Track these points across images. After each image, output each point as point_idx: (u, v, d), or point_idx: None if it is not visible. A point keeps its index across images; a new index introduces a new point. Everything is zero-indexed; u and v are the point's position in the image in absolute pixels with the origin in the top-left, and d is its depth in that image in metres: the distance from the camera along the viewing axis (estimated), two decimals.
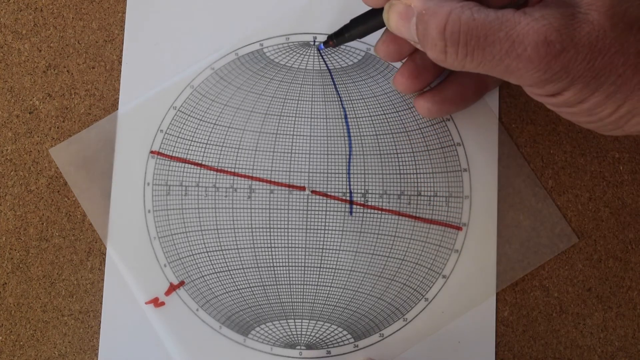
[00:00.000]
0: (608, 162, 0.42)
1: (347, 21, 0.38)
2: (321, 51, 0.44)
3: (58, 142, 0.43)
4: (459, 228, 0.42)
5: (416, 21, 0.31)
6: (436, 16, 0.30)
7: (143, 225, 0.42)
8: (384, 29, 0.36)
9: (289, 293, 0.41)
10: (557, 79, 0.28)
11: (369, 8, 0.36)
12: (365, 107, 0.43)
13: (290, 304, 0.41)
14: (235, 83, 0.43)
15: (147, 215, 0.42)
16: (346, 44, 0.42)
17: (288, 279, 0.41)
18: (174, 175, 0.42)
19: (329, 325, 0.41)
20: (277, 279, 0.41)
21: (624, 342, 0.41)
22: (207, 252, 0.42)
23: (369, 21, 0.35)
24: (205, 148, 0.43)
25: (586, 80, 0.27)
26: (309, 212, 0.42)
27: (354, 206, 0.42)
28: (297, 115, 0.43)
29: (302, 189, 0.42)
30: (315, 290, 0.41)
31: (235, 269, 0.42)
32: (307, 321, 0.41)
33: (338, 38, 0.39)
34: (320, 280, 0.41)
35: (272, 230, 0.42)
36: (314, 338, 0.41)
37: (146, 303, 0.41)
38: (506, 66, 0.28)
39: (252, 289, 0.42)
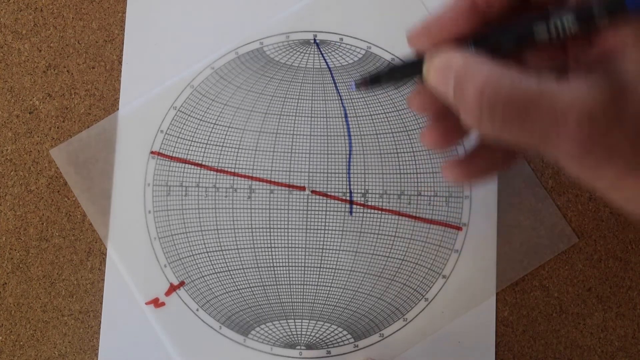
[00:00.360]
0: None
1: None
2: (321, 48, 0.44)
3: (58, 142, 0.43)
4: (459, 228, 0.42)
5: (454, 80, 0.29)
6: (474, 79, 0.28)
7: (143, 225, 0.42)
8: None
9: (289, 293, 0.41)
10: (599, 156, 0.26)
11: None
12: (366, 106, 0.43)
13: (290, 304, 0.41)
14: (235, 82, 0.43)
15: (148, 215, 0.42)
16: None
17: (288, 279, 0.41)
18: (174, 176, 0.42)
19: (329, 325, 0.41)
20: (277, 279, 0.41)
21: (624, 342, 0.41)
22: (207, 252, 0.42)
23: (408, 70, 0.33)
24: (205, 148, 0.43)
25: (628, 159, 0.26)
26: (309, 212, 0.42)
27: (354, 206, 0.42)
28: (297, 114, 0.43)
29: (302, 189, 0.42)
30: (315, 290, 0.41)
31: (235, 269, 0.42)
32: (307, 321, 0.41)
33: (374, 84, 0.37)
34: (320, 280, 0.41)
35: (272, 230, 0.42)
36: (314, 338, 0.41)
37: (146, 303, 0.42)
38: (545, 141, 0.26)
39: (252, 289, 0.42)
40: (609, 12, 0.24)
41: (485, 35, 0.29)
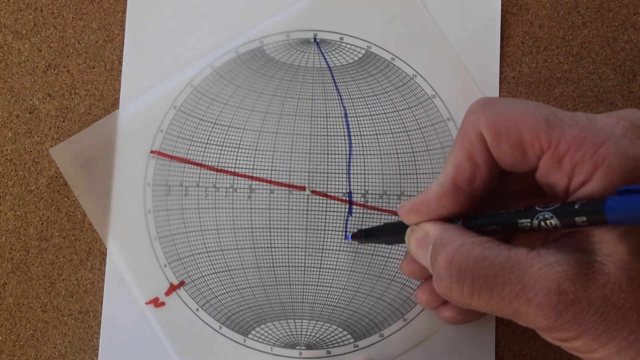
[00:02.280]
0: None
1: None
2: (320, 46, 0.44)
3: (58, 142, 0.43)
4: None
5: (431, 250, 0.30)
6: (445, 248, 0.29)
7: (143, 225, 0.42)
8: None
9: (289, 293, 0.41)
10: (567, 328, 0.26)
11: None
12: (366, 106, 0.43)
13: (290, 304, 0.41)
14: (235, 82, 0.43)
15: (148, 215, 0.42)
16: (346, 41, 0.42)
17: (288, 279, 0.41)
18: (174, 175, 0.42)
19: (329, 325, 0.41)
20: (277, 279, 0.41)
21: None
22: (207, 252, 0.42)
23: (398, 234, 0.35)
24: (205, 148, 0.43)
25: (597, 333, 0.26)
26: (309, 212, 0.42)
27: (354, 206, 0.42)
28: (297, 114, 0.43)
29: (302, 189, 0.42)
30: (315, 291, 0.41)
31: (235, 269, 0.42)
32: (307, 321, 0.41)
33: (367, 238, 0.39)
34: (320, 280, 0.41)
35: (272, 230, 0.42)
36: (314, 338, 0.41)
37: (146, 303, 0.42)
38: (515, 309, 0.27)
39: (252, 289, 0.42)
40: (590, 223, 0.25)
41: (472, 219, 0.30)
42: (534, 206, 0.27)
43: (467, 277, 0.27)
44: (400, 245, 0.41)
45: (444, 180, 0.30)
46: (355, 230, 0.40)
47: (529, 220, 0.27)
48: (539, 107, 0.28)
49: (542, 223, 0.26)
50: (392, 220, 0.37)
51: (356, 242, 0.41)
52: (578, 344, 0.27)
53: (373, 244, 0.41)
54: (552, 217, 0.26)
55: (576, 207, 0.25)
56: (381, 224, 0.39)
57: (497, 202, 0.33)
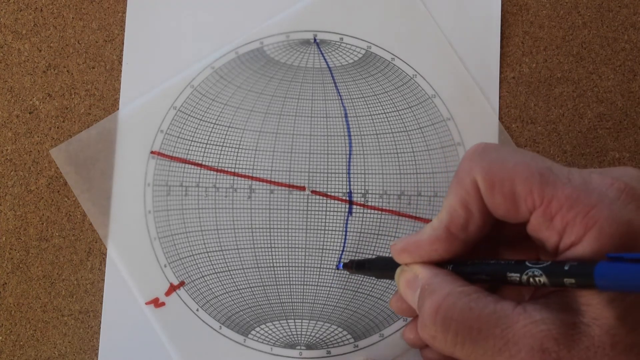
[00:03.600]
0: (608, 162, 0.42)
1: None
2: (320, 47, 0.44)
3: (58, 142, 0.43)
4: None
5: (419, 294, 0.30)
6: (432, 296, 0.29)
7: (143, 225, 0.42)
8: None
9: (289, 293, 0.41)
10: None
11: None
12: (366, 106, 0.43)
13: (290, 304, 0.41)
14: (235, 82, 0.43)
15: (148, 215, 0.42)
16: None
17: (288, 279, 0.41)
18: (174, 176, 0.42)
19: (329, 325, 0.41)
20: (277, 279, 0.41)
21: None
22: (207, 252, 0.42)
23: (391, 270, 0.35)
24: (205, 148, 0.43)
25: None
26: (309, 212, 0.42)
27: (354, 206, 0.42)
28: (297, 114, 0.43)
29: (302, 189, 0.42)
30: (315, 291, 0.41)
31: (235, 269, 0.42)
32: (307, 321, 0.41)
33: (358, 269, 0.39)
34: (320, 280, 0.41)
35: (272, 230, 0.42)
36: (314, 338, 0.41)
37: (146, 303, 0.41)
38: None
39: (252, 289, 0.42)
40: (578, 286, 0.25)
41: (463, 265, 0.30)
42: (525, 261, 0.27)
43: (452, 327, 0.27)
44: None
45: (438, 225, 0.30)
46: (347, 260, 0.40)
47: (518, 275, 0.27)
48: (536, 160, 0.28)
49: (531, 279, 0.26)
50: (385, 255, 0.37)
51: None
52: None
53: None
54: (541, 274, 0.26)
55: (566, 267, 0.25)
56: (374, 257, 0.38)
57: (490, 247, 0.33)
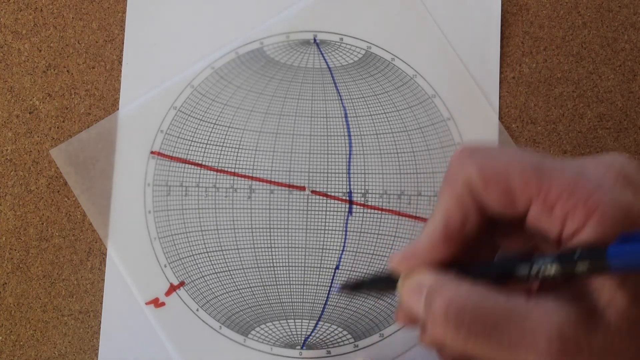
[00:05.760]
0: None
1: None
2: (320, 47, 0.44)
3: (58, 142, 0.43)
4: None
5: (424, 298, 0.29)
6: (442, 294, 0.28)
7: (143, 225, 0.42)
8: None
9: (289, 293, 0.41)
10: None
11: None
12: (366, 106, 0.43)
13: (290, 304, 0.41)
14: (235, 82, 0.43)
15: (148, 215, 0.42)
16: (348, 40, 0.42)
17: (288, 279, 0.41)
18: (174, 176, 0.42)
19: (329, 325, 0.41)
20: (277, 279, 0.41)
21: None
22: (207, 252, 0.42)
23: (388, 285, 0.34)
24: (205, 148, 0.43)
25: None
26: (309, 212, 0.42)
27: (354, 206, 0.42)
28: (297, 114, 0.43)
29: (302, 189, 0.42)
30: (315, 291, 0.41)
31: (235, 269, 0.42)
32: (307, 321, 0.41)
33: (356, 290, 0.38)
34: (320, 280, 0.41)
35: (272, 230, 0.42)
36: (314, 338, 0.41)
37: (146, 303, 0.41)
38: (513, 357, 0.26)
39: (252, 289, 0.42)
40: (591, 271, 0.25)
41: (467, 268, 0.30)
42: (532, 254, 0.27)
43: (465, 324, 0.27)
44: (400, 243, 0.41)
45: (434, 229, 0.30)
46: (344, 282, 0.39)
47: (527, 268, 0.27)
48: (527, 154, 0.28)
49: (541, 272, 0.26)
50: (381, 274, 0.36)
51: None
52: None
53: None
54: (551, 265, 0.26)
55: (577, 254, 0.25)
56: (371, 276, 0.37)
57: (488, 247, 0.33)
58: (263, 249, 0.42)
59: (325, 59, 0.44)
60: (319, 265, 0.41)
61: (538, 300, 0.26)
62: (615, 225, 0.25)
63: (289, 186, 0.42)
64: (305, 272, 0.42)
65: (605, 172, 0.26)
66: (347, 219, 0.42)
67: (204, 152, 0.43)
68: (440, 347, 0.30)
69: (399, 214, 0.42)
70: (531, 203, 0.27)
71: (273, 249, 0.42)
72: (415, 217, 0.42)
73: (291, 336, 0.41)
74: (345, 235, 0.42)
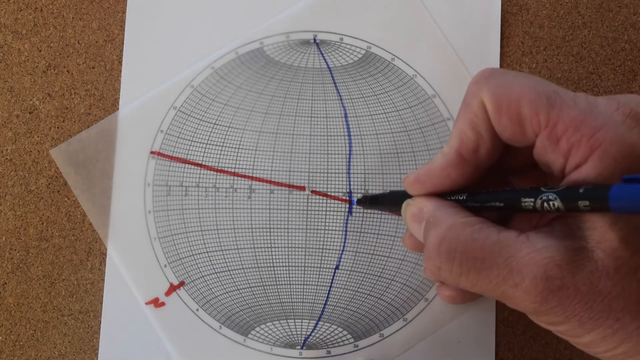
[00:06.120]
0: None
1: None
2: (320, 47, 0.44)
3: (58, 142, 0.43)
4: None
5: (424, 226, 0.30)
6: (436, 228, 0.29)
7: (143, 225, 0.42)
8: None
9: (289, 293, 0.41)
10: (553, 313, 0.26)
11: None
12: (366, 106, 0.43)
13: (290, 304, 0.41)
14: (235, 82, 0.43)
15: (148, 215, 0.42)
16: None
17: (288, 279, 0.41)
18: (174, 176, 0.42)
19: (328, 325, 0.41)
20: (277, 279, 0.41)
21: None
22: (207, 252, 0.42)
23: (401, 201, 0.35)
24: (205, 148, 0.43)
25: (582, 320, 0.26)
26: (309, 212, 0.42)
27: (354, 206, 0.42)
28: (297, 114, 0.43)
29: (302, 189, 0.42)
30: (315, 291, 0.41)
31: (235, 269, 0.42)
32: (307, 321, 0.41)
33: (372, 204, 0.39)
34: (320, 280, 0.41)
35: (272, 230, 0.42)
36: (314, 338, 0.41)
37: (146, 303, 0.42)
38: (502, 292, 0.27)
39: (252, 289, 0.42)
40: (592, 209, 0.25)
41: (476, 194, 0.30)
42: (539, 186, 0.27)
43: (456, 258, 0.28)
44: (400, 244, 0.41)
45: (449, 150, 0.30)
46: (361, 196, 0.40)
47: (532, 200, 0.27)
48: (542, 84, 0.28)
49: (545, 204, 0.26)
50: (397, 191, 0.37)
51: (362, 208, 0.41)
52: (564, 329, 0.27)
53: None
54: (555, 198, 0.26)
55: (580, 190, 0.25)
56: (387, 191, 0.38)
57: (499, 177, 0.33)
58: (263, 249, 0.42)
59: (325, 59, 0.44)
60: (319, 265, 0.41)
61: (529, 237, 0.27)
62: (618, 163, 0.25)
63: (289, 186, 0.42)
64: (305, 272, 0.42)
65: (616, 110, 0.27)
66: (347, 219, 0.42)
67: (204, 152, 0.43)
68: (439, 279, 0.30)
69: (399, 214, 0.42)
70: (539, 133, 0.27)
71: (273, 249, 0.42)
72: None
73: (291, 336, 0.41)
74: (345, 235, 0.42)
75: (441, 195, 0.32)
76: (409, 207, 0.33)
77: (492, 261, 0.27)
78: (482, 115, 0.29)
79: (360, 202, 0.40)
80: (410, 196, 0.34)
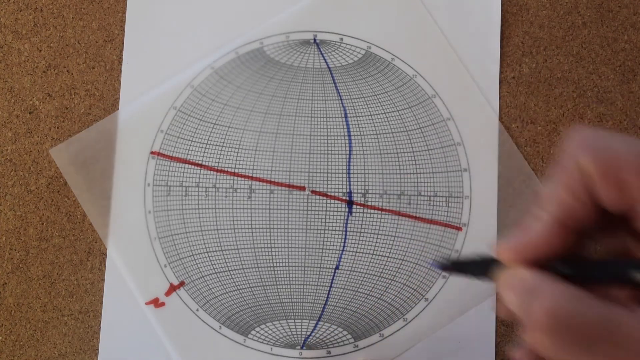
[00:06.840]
0: None
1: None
2: (320, 47, 0.44)
3: (58, 142, 0.43)
4: (459, 228, 0.42)
5: (524, 297, 0.28)
6: (541, 298, 0.27)
7: (143, 225, 0.42)
8: None
9: (289, 293, 0.41)
10: None
11: None
12: (366, 106, 0.43)
13: (290, 304, 0.41)
14: (235, 82, 0.43)
15: (148, 215, 0.42)
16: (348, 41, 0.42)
17: (288, 279, 0.41)
18: (174, 176, 0.42)
19: (329, 325, 0.41)
20: (277, 279, 0.41)
21: None
22: (207, 252, 0.42)
23: (485, 273, 0.32)
24: (205, 148, 0.43)
25: None
26: (309, 212, 0.42)
27: (354, 206, 0.42)
28: (297, 114, 0.43)
29: (302, 189, 0.42)
30: (315, 291, 0.41)
31: (235, 269, 0.42)
32: (307, 321, 0.41)
33: (458, 270, 0.35)
34: (320, 280, 0.41)
35: (272, 230, 0.42)
36: (314, 338, 0.41)
37: (146, 303, 0.41)
38: None
39: (252, 289, 0.42)
40: None
41: (578, 264, 0.29)
42: (629, 258, 0.26)
43: (564, 333, 0.26)
44: (400, 243, 0.41)
45: (548, 217, 0.29)
46: (444, 259, 0.37)
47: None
48: None
49: None
50: (484, 255, 0.34)
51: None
52: None
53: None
54: None
55: None
56: (470, 257, 0.36)
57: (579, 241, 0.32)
58: (263, 249, 0.42)
59: (325, 59, 0.44)
60: (319, 265, 0.41)
61: (634, 309, 0.25)
62: None
63: (289, 186, 0.42)
64: (305, 272, 0.42)
65: None
66: (347, 219, 0.42)
67: (204, 152, 0.43)
68: (538, 353, 0.29)
69: (399, 214, 0.42)
70: None
71: (273, 249, 0.42)
72: (415, 217, 0.42)
73: (291, 336, 0.41)
74: (345, 235, 0.42)
75: (540, 263, 0.30)
76: (504, 276, 0.30)
77: (604, 337, 0.25)
78: (583, 181, 0.28)
79: (444, 267, 0.35)
80: (498, 263, 0.31)
